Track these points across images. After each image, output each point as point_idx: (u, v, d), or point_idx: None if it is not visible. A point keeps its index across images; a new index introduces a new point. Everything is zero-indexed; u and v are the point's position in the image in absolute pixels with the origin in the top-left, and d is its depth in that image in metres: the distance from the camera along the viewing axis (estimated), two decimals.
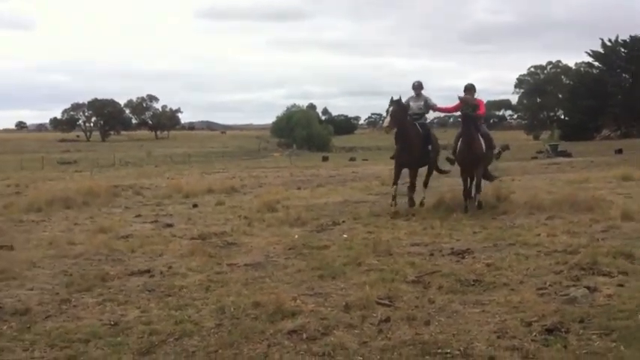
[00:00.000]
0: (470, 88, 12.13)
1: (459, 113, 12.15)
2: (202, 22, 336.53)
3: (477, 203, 11.78)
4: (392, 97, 12.14)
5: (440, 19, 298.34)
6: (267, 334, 5.21)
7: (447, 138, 20.37)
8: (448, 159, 12.74)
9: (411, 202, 12.50)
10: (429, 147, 12.67)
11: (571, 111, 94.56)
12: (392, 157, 13.19)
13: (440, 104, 13.11)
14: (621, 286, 6.19)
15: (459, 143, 11.92)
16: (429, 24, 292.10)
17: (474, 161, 11.80)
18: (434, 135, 13.15)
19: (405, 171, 12.62)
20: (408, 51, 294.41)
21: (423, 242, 9.05)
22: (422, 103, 12.71)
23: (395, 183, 12.34)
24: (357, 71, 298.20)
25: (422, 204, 12.59)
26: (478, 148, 11.73)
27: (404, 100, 12.48)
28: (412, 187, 12.59)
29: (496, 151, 12.77)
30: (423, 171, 13.13)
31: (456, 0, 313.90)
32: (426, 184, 13.24)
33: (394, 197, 12.14)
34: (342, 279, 6.99)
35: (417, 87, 12.78)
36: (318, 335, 5.18)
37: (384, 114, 12.71)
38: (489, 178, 12.93)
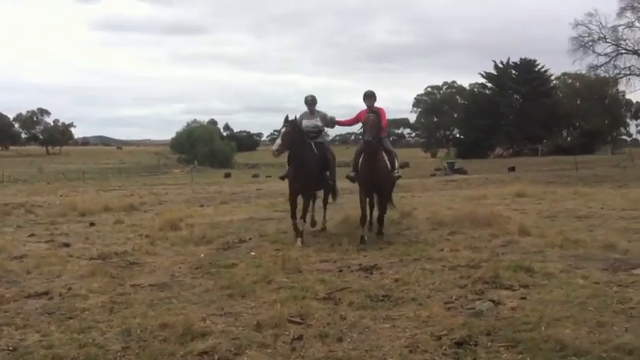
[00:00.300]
0: (370, 95, 11.12)
1: (360, 128, 11.02)
2: (97, 35, 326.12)
3: (377, 231, 10.82)
4: (287, 116, 10.96)
5: (342, 38, 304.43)
6: (177, 356, 5.02)
7: (348, 155, 20.62)
8: (349, 177, 11.36)
9: (313, 223, 11.75)
10: (327, 173, 11.47)
11: (466, 130, 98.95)
12: (281, 177, 12.01)
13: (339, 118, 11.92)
14: (524, 299, 6.39)
15: (361, 160, 10.80)
16: (331, 43, 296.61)
17: (378, 180, 10.70)
18: (332, 154, 11.99)
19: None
20: (311, 69, 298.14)
21: (331, 259, 9.04)
22: (317, 120, 11.54)
23: (294, 215, 10.97)
24: (259, 87, 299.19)
25: (323, 229, 11.85)
26: (382, 165, 10.63)
27: (297, 117, 11.35)
28: (308, 208, 11.23)
29: (397, 173, 11.34)
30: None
31: (357, 20, 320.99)
32: (325, 204, 12.19)
33: (296, 228, 10.79)
34: (252, 297, 6.86)
35: (311, 102, 11.51)
36: (230, 356, 5.05)
37: (278, 134, 11.32)
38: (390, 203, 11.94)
